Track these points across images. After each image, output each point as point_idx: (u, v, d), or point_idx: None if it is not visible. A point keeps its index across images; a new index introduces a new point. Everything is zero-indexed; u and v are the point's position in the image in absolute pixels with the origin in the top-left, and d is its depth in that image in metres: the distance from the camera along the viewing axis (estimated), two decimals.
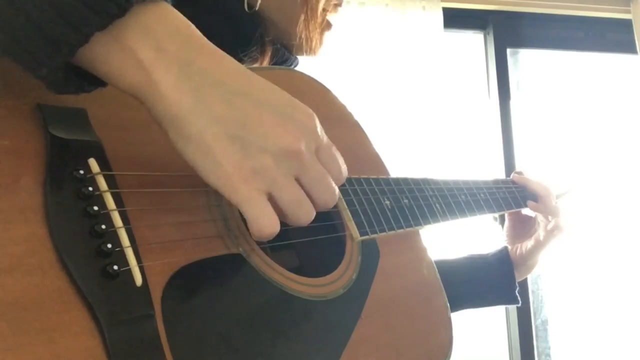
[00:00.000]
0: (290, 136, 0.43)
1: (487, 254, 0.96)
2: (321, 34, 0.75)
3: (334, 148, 0.47)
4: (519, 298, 0.94)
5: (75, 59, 0.38)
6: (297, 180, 0.44)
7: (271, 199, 0.43)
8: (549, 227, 0.94)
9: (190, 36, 0.42)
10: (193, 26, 0.42)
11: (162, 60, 0.39)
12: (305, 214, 0.45)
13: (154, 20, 0.40)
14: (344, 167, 0.48)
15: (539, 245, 0.94)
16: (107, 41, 0.38)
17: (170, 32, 0.40)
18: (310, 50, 0.74)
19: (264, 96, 0.43)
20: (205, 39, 0.43)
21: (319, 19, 0.73)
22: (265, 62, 0.72)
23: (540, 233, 0.95)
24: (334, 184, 0.46)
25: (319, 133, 0.45)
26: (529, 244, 0.95)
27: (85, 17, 0.36)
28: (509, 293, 0.93)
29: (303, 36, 0.72)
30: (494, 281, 0.93)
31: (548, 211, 0.95)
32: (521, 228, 0.99)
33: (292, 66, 0.76)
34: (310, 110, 0.46)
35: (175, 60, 0.40)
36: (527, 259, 0.95)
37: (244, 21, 0.69)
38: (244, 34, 0.69)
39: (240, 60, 0.67)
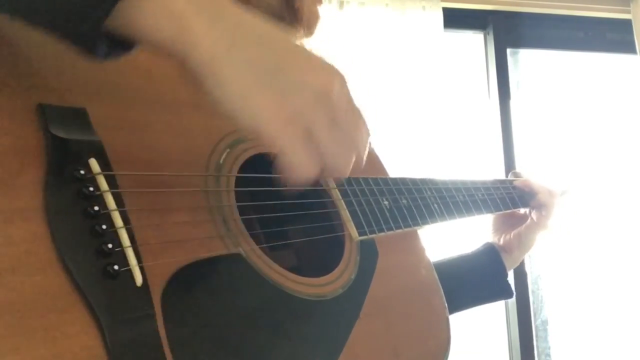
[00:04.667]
0: (324, 78, 0.43)
1: (472, 251, 0.97)
2: (314, 7, 0.74)
3: (358, 105, 0.47)
4: (512, 288, 0.93)
5: (112, 19, 0.38)
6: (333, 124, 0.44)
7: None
8: (543, 205, 0.95)
9: None
10: None
11: (193, 7, 0.39)
12: (346, 156, 0.45)
13: None
14: (367, 131, 0.48)
15: (534, 226, 0.95)
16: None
17: None
18: (307, 29, 0.73)
19: (292, 44, 0.44)
20: None
21: None
22: None
23: (535, 214, 0.96)
24: (362, 129, 0.46)
25: (348, 88, 0.46)
26: (521, 227, 0.96)
27: None
28: (500, 283, 0.93)
29: (297, 11, 0.71)
30: (483, 272, 0.93)
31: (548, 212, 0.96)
32: (505, 221, 0.99)
33: None
34: (339, 68, 0.46)
35: (205, 7, 0.40)
36: (522, 241, 0.95)
37: None
38: None
39: None
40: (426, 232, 0.74)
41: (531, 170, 1.06)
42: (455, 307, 0.87)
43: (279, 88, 0.41)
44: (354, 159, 0.46)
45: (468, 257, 0.95)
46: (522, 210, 0.99)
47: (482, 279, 0.93)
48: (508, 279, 0.94)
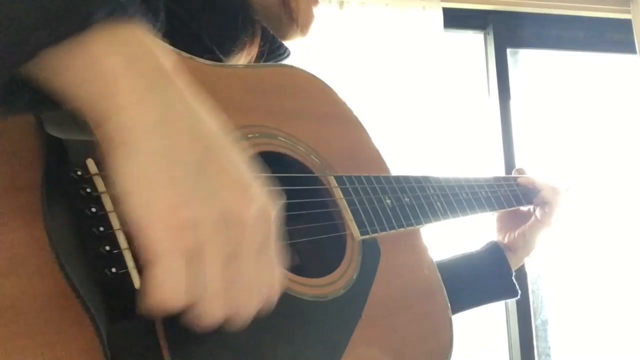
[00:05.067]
0: (244, 202, 0.36)
1: (476, 250, 0.96)
2: (309, 7, 0.72)
3: (278, 265, 0.40)
4: (517, 287, 0.93)
5: (25, 70, 0.34)
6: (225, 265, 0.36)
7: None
8: (547, 203, 0.95)
9: (166, 63, 0.37)
10: (172, 59, 0.38)
11: (132, 74, 0.35)
12: (214, 310, 0.36)
13: (129, 37, 0.36)
14: (277, 280, 0.41)
15: (538, 224, 0.95)
16: (68, 50, 0.34)
17: (146, 52, 0.36)
18: (301, 29, 0.72)
19: (231, 156, 0.38)
20: (181, 75, 0.38)
21: None
22: (254, 48, 0.70)
23: (539, 212, 0.95)
24: (254, 298, 0.38)
25: (273, 231, 0.39)
26: (525, 226, 0.95)
27: (35, 29, 0.32)
28: (505, 282, 0.92)
29: (293, 11, 0.70)
30: (488, 272, 0.93)
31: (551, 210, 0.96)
32: (511, 220, 0.99)
33: (285, 55, 0.75)
34: (275, 207, 0.39)
35: (146, 78, 0.35)
36: (526, 240, 0.94)
37: (230, 6, 0.67)
38: (231, 19, 0.67)
39: (230, 48, 0.66)
40: (429, 231, 0.74)
41: (534, 168, 1.06)
42: (460, 306, 0.86)
43: (186, 190, 0.34)
44: (220, 316, 0.37)
45: (472, 256, 0.95)
46: (525, 208, 0.99)
47: (487, 278, 0.92)
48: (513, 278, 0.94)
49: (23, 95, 0.35)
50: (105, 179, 0.42)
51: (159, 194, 0.34)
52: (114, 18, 0.35)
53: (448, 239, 1.37)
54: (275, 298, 0.40)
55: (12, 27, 0.32)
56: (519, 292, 0.93)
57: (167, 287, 0.34)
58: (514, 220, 0.98)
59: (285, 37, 0.74)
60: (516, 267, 0.96)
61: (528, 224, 0.95)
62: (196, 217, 0.34)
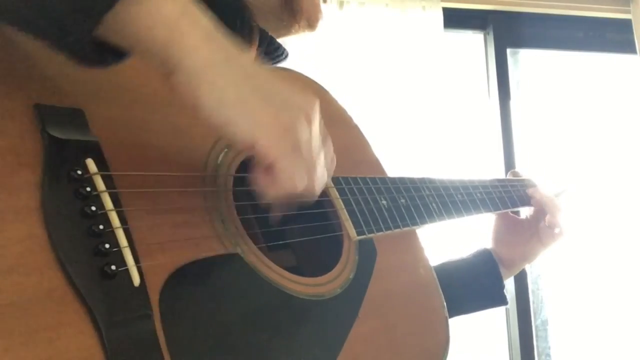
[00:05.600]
0: (309, 104, 0.45)
1: (468, 256, 0.94)
2: (315, 3, 0.73)
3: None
4: (507, 298, 0.92)
5: (103, 27, 0.38)
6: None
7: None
8: (555, 231, 0.92)
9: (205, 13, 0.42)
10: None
11: (188, 18, 0.40)
12: (321, 177, 0.47)
13: None
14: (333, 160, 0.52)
15: (541, 247, 0.93)
16: (132, 3, 0.38)
17: (191, 2, 0.41)
18: (310, 23, 0.72)
19: (274, 72, 0.48)
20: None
21: None
22: (252, 50, 0.70)
23: (542, 235, 0.93)
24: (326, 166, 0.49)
25: (318, 121, 0.48)
26: (526, 247, 0.93)
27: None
28: (496, 293, 0.91)
29: (296, 11, 0.70)
30: (479, 282, 0.91)
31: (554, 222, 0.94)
32: (509, 233, 0.96)
33: (283, 55, 0.76)
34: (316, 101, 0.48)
35: (200, 21, 0.40)
36: (526, 259, 0.94)
37: (227, 10, 0.67)
38: (228, 23, 0.67)
39: None
40: (425, 232, 0.74)
41: (532, 171, 1.04)
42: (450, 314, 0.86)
43: (273, 102, 0.42)
44: (330, 172, 0.49)
45: (464, 264, 0.93)
46: (524, 216, 0.97)
47: (477, 289, 0.91)
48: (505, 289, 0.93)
49: (92, 55, 0.39)
50: (104, 178, 0.42)
51: (259, 112, 0.41)
52: None
53: (445, 240, 1.37)
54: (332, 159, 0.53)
55: None
56: (508, 302, 0.92)
57: (295, 175, 0.44)
58: (512, 235, 0.95)
59: (289, 33, 0.74)
60: (507, 279, 0.94)
61: (529, 246, 0.93)
62: (290, 119, 0.43)
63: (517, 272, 0.96)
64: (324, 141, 0.49)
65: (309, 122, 0.45)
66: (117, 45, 0.40)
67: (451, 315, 0.74)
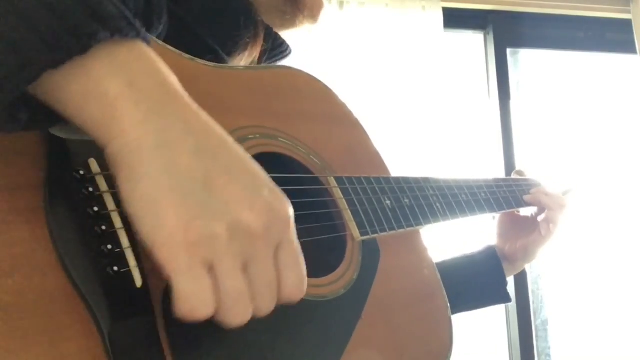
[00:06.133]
0: (253, 214, 0.37)
1: (473, 253, 0.95)
2: None
3: (301, 256, 0.41)
4: (510, 295, 0.93)
5: (35, 88, 0.35)
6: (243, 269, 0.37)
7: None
8: (552, 221, 0.94)
9: (168, 80, 0.38)
10: (173, 75, 0.38)
11: (133, 95, 0.35)
12: (240, 314, 0.38)
13: (130, 57, 0.36)
14: (303, 282, 0.41)
15: (541, 240, 0.94)
16: (69, 71, 0.35)
17: (147, 71, 0.37)
18: (312, 14, 0.71)
19: (238, 165, 0.38)
20: (183, 90, 0.38)
21: None
22: (257, 48, 0.70)
23: (543, 228, 0.94)
24: (276, 295, 0.40)
25: (290, 229, 0.40)
26: (528, 240, 0.94)
27: (37, 53, 0.33)
28: (499, 290, 0.92)
29: (299, 2, 0.70)
30: (482, 279, 0.92)
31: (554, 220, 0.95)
32: (513, 228, 0.98)
33: (287, 52, 0.75)
34: (288, 202, 0.40)
35: (147, 98, 0.36)
36: (527, 254, 0.94)
37: (232, 7, 0.67)
38: (233, 19, 0.67)
39: (232, 49, 0.66)
40: (429, 232, 0.74)
41: (534, 170, 1.05)
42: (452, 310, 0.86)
43: (195, 206, 0.35)
44: (248, 319, 0.38)
45: (468, 261, 0.94)
46: (528, 213, 0.98)
47: (480, 286, 0.92)
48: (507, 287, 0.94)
49: (24, 114, 0.36)
50: (107, 178, 0.42)
51: (167, 213, 0.35)
52: (113, 40, 0.35)
53: (448, 239, 1.37)
54: (304, 286, 0.41)
55: (13, 51, 0.33)
56: (512, 299, 0.94)
57: (194, 299, 0.35)
58: (515, 229, 0.97)
59: (293, 25, 0.74)
60: (510, 276, 0.95)
61: (531, 239, 0.94)
62: (209, 231, 0.35)
63: (521, 267, 0.96)
64: (285, 263, 0.39)
65: (246, 236, 0.36)
66: (50, 108, 0.36)
67: (454, 312, 0.74)
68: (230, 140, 0.39)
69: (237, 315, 0.38)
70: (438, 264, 0.72)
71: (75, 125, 0.36)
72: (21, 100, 0.35)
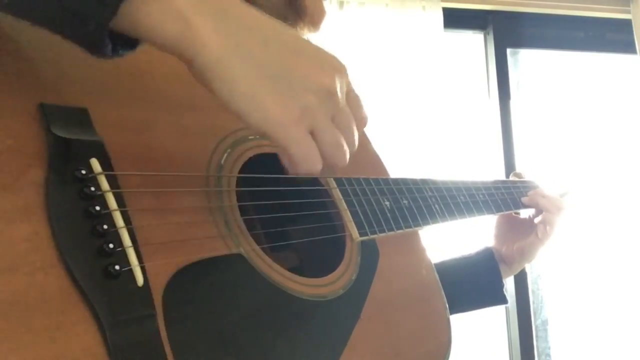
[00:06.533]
0: (327, 77, 0.45)
1: (470, 254, 0.96)
2: (320, 2, 0.74)
3: (359, 98, 0.50)
4: (507, 297, 0.93)
5: (117, 20, 0.38)
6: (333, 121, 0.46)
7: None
8: (549, 223, 0.94)
9: None
10: None
11: (199, 7, 0.40)
12: (343, 155, 0.46)
13: None
14: (365, 115, 0.50)
15: (538, 242, 0.94)
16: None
17: None
18: (314, 24, 0.73)
19: (297, 42, 0.45)
20: None
21: None
22: None
23: (540, 230, 0.95)
24: (355, 131, 0.48)
25: (349, 77, 0.48)
26: (525, 242, 0.95)
27: None
28: (495, 291, 0.93)
29: (301, 9, 0.71)
30: (479, 279, 0.93)
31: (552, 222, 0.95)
32: (510, 230, 0.98)
33: None
34: (340, 60, 0.47)
35: (210, 7, 0.40)
36: (524, 256, 0.95)
37: None
38: None
39: None
40: (427, 233, 0.74)
41: (533, 171, 1.06)
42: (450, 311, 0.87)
43: (285, 88, 0.42)
44: (348, 158, 0.47)
45: (465, 262, 0.94)
46: (525, 215, 0.98)
47: (477, 287, 0.93)
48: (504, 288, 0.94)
49: (107, 45, 0.39)
50: (108, 178, 0.42)
51: (269, 101, 0.41)
52: None
53: (447, 241, 1.37)
54: (366, 122, 0.51)
55: None
56: (508, 300, 0.94)
57: (313, 157, 0.43)
58: (513, 231, 0.97)
59: None
60: (507, 277, 0.96)
61: (528, 241, 0.94)
62: (303, 104, 0.43)
63: (518, 269, 0.97)
64: (353, 105, 0.48)
65: (327, 99, 0.44)
66: (132, 36, 0.40)
67: (451, 313, 0.74)
68: (280, 24, 0.45)
69: (342, 156, 0.46)
70: (436, 265, 0.73)
71: (157, 46, 0.40)
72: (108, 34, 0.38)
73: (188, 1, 0.39)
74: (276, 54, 0.43)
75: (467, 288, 0.92)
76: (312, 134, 0.44)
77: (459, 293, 0.89)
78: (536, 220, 0.96)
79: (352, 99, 0.49)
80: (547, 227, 0.94)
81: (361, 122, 0.49)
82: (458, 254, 0.96)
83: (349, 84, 0.48)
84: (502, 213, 0.91)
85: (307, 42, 0.46)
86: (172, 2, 0.39)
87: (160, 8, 0.39)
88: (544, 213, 0.95)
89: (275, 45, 0.43)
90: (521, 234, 0.96)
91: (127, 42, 0.40)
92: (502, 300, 0.93)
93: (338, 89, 0.45)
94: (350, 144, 0.47)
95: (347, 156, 0.47)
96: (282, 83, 0.42)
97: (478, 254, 0.96)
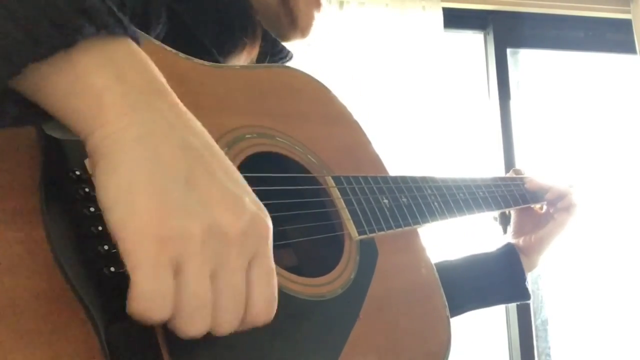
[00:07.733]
0: (232, 218, 0.35)
1: (491, 250, 0.96)
2: (310, 10, 0.73)
3: (275, 276, 0.38)
4: (529, 292, 0.93)
5: (23, 77, 0.33)
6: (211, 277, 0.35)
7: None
8: (563, 206, 0.95)
9: (157, 78, 0.37)
10: (161, 75, 0.38)
11: (120, 88, 0.34)
12: (196, 325, 0.35)
13: (117, 54, 0.35)
14: (273, 304, 0.38)
15: (557, 228, 0.95)
16: (54, 66, 0.33)
17: (135, 67, 0.36)
18: (301, 30, 0.72)
19: (223, 168, 0.37)
20: (171, 90, 0.37)
21: None
22: (255, 50, 0.70)
23: (557, 216, 0.96)
24: (241, 312, 0.37)
25: (268, 243, 0.37)
26: (544, 231, 0.95)
27: (20, 45, 0.32)
28: (518, 285, 0.93)
29: (293, 13, 0.70)
30: (500, 274, 0.93)
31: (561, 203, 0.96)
32: (529, 222, 0.99)
33: (287, 57, 0.76)
34: (269, 216, 0.38)
35: (135, 91, 0.35)
36: (543, 244, 0.95)
37: (231, 7, 0.67)
38: (232, 20, 0.67)
39: (230, 49, 0.66)
40: (428, 231, 0.74)
41: (534, 169, 1.06)
42: (471, 306, 0.88)
43: (172, 201, 0.33)
44: (204, 332, 0.36)
45: (488, 258, 0.95)
46: (543, 208, 1.00)
47: (500, 282, 0.93)
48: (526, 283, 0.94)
49: (10, 109, 0.35)
50: None
51: (141, 204, 0.33)
52: (100, 36, 0.35)
53: (448, 239, 1.37)
54: (273, 309, 0.39)
55: None
56: (531, 296, 0.94)
57: (150, 299, 0.33)
58: (530, 224, 0.99)
59: (285, 38, 0.75)
60: (530, 271, 0.96)
61: (548, 229, 0.95)
62: (182, 229, 0.33)
63: (537, 260, 0.96)
64: (256, 281, 0.37)
65: (222, 241, 0.34)
66: (34, 101, 0.35)
67: (476, 308, 0.74)
68: (215, 144, 0.38)
69: (193, 325, 0.35)
70: (456, 263, 0.73)
71: (59, 119, 0.35)
72: (9, 95, 0.34)
73: (109, 79, 0.34)
74: (186, 163, 0.35)
75: (490, 284, 0.92)
76: (176, 273, 0.33)
77: (482, 289, 0.90)
78: (556, 206, 0.97)
79: (260, 272, 0.37)
80: (565, 214, 0.95)
81: (256, 308, 0.37)
82: (479, 250, 0.96)
83: (263, 250, 0.37)
84: (501, 210, 0.92)
85: (238, 178, 0.38)
86: (86, 77, 0.34)
87: (71, 81, 0.34)
88: (550, 192, 0.96)
89: (192, 157, 0.35)
90: (538, 224, 0.97)
91: (33, 109, 0.35)
92: (525, 294, 0.93)
93: (239, 240, 0.35)
94: (219, 320, 0.36)
95: (203, 329, 0.35)
96: (172, 195, 0.33)
97: (499, 249, 0.96)
